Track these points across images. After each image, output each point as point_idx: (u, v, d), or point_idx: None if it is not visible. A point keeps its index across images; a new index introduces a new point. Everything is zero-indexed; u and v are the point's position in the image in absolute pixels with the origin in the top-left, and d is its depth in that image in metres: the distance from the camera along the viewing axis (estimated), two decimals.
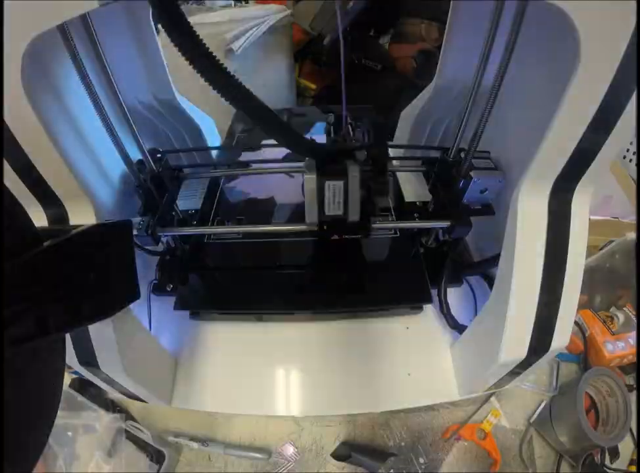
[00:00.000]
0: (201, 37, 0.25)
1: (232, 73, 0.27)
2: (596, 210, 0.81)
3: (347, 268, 0.59)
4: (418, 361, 0.54)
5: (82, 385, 0.65)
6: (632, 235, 0.72)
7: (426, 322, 0.57)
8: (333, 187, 0.41)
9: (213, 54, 0.25)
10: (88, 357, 0.41)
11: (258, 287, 0.57)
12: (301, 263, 0.60)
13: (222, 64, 0.26)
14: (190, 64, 0.25)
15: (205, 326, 0.58)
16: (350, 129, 0.49)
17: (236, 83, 0.27)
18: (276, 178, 0.69)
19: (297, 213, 0.66)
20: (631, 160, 0.87)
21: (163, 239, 0.58)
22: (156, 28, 0.60)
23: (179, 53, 0.25)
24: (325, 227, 0.46)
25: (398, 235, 0.61)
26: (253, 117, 0.30)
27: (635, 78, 0.29)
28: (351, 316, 0.57)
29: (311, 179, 0.40)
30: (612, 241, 0.74)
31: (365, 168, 0.41)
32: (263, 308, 0.56)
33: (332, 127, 0.51)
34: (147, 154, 0.51)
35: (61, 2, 0.24)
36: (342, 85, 0.41)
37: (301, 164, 0.63)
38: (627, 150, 0.88)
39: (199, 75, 0.26)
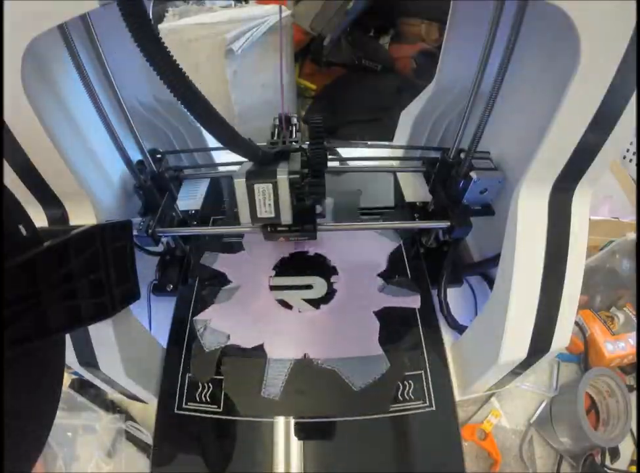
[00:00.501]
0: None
1: (182, 69, 0.27)
2: (596, 210, 0.81)
3: (362, 462, 0.45)
4: None
5: (82, 386, 0.65)
6: (632, 235, 0.72)
7: None
8: (262, 190, 0.41)
9: (167, 49, 0.25)
10: (88, 358, 0.41)
11: None
12: (300, 453, 0.44)
13: (175, 59, 0.26)
14: (145, 57, 0.25)
15: None
16: (294, 130, 0.49)
17: (184, 79, 0.27)
18: None
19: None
20: (631, 160, 0.87)
21: (164, 239, 0.58)
22: (156, 29, 0.59)
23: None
24: (269, 229, 0.46)
25: (434, 408, 0.46)
26: (196, 114, 0.30)
27: (635, 78, 0.29)
28: None
29: (240, 182, 0.41)
30: (612, 241, 0.74)
31: (295, 170, 0.41)
32: None
33: (276, 128, 0.51)
34: (147, 155, 0.51)
35: (61, 3, 0.24)
36: (280, 81, 0.42)
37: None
38: (627, 150, 0.88)
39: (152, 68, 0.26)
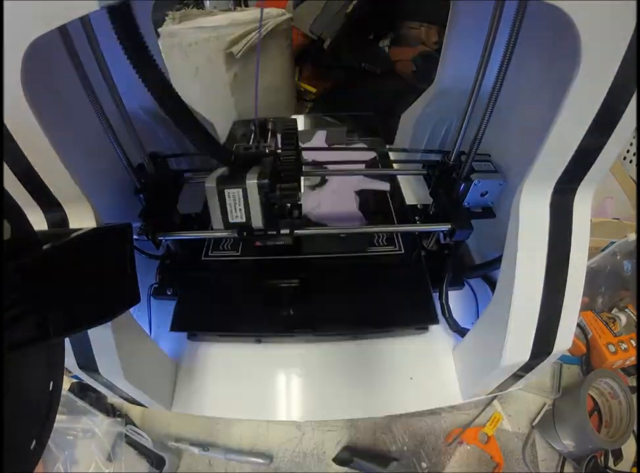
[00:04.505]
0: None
1: (161, 70, 0.27)
2: (597, 211, 0.81)
3: (350, 288, 0.57)
4: (421, 365, 0.54)
5: (82, 390, 0.64)
6: (633, 236, 0.72)
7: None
8: (233, 195, 0.42)
9: (148, 49, 0.25)
10: (88, 361, 0.40)
11: (257, 308, 0.56)
12: (302, 283, 0.57)
13: (154, 60, 0.26)
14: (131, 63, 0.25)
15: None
16: (269, 135, 0.49)
17: (164, 82, 0.27)
18: None
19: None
20: (631, 161, 0.87)
21: (164, 243, 0.58)
22: (156, 32, 0.60)
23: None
24: (245, 233, 0.46)
25: (402, 252, 0.60)
26: (174, 119, 0.30)
27: (635, 78, 0.29)
28: (353, 338, 0.56)
29: (211, 187, 0.41)
30: (613, 242, 0.74)
31: (264, 175, 0.41)
32: (263, 331, 0.55)
33: (253, 133, 0.52)
34: (148, 158, 0.51)
35: (61, 4, 0.24)
36: (255, 91, 0.42)
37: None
38: (628, 151, 0.88)
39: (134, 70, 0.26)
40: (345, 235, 0.60)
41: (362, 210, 0.66)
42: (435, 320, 0.53)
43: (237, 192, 0.41)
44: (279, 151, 0.46)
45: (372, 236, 0.61)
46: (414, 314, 0.54)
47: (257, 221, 0.44)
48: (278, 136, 0.53)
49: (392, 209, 0.66)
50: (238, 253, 0.60)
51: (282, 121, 0.51)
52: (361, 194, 0.69)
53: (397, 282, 0.57)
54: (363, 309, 0.55)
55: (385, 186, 0.71)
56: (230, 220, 0.44)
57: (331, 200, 0.68)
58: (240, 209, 0.43)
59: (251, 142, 0.50)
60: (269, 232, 0.47)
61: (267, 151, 0.47)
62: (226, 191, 0.41)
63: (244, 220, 0.44)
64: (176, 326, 0.53)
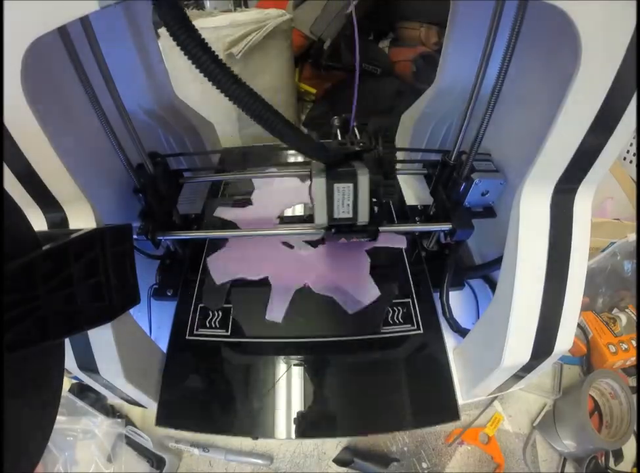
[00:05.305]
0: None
1: (241, 79, 0.27)
2: (598, 211, 0.81)
3: (359, 379, 0.50)
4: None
5: (82, 391, 0.64)
6: (633, 236, 0.72)
7: None
8: (343, 190, 0.41)
9: (222, 61, 0.25)
10: (88, 362, 0.40)
11: (250, 403, 0.48)
12: (303, 372, 0.50)
13: (230, 70, 0.26)
14: (199, 70, 0.25)
15: None
16: (357, 131, 0.49)
17: (245, 89, 0.27)
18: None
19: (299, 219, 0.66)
20: (631, 161, 0.87)
21: (164, 243, 0.58)
22: (157, 33, 0.60)
23: (189, 60, 0.25)
24: (333, 230, 0.46)
25: (421, 332, 0.52)
26: (261, 121, 0.29)
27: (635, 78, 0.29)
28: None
29: (320, 181, 0.40)
30: (614, 242, 0.74)
31: (372, 171, 0.41)
32: (256, 432, 0.48)
33: (338, 130, 0.51)
34: (147, 158, 0.51)
35: (61, 4, 0.24)
36: (355, 88, 0.41)
37: (302, 169, 0.64)
38: (628, 151, 0.88)
39: (209, 81, 0.26)
40: (355, 313, 0.53)
41: (374, 276, 0.57)
42: (456, 417, 0.47)
43: (347, 187, 0.41)
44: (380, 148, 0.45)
45: (387, 312, 0.54)
46: (433, 410, 0.48)
47: (363, 216, 0.43)
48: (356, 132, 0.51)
49: (411, 276, 0.58)
50: (227, 333, 0.52)
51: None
52: (374, 253, 0.59)
53: (414, 371, 0.50)
54: (375, 407, 0.48)
55: (401, 242, 0.61)
56: (336, 215, 0.43)
57: (336, 262, 0.58)
58: (347, 205, 0.42)
59: (340, 139, 0.48)
60: (355, 226, 0.45)
61: (356, 149, 0.45)
62: (335, 185, 0.40)
63: (350, 215, 0.43)
64: (162, 421, 0.48)
